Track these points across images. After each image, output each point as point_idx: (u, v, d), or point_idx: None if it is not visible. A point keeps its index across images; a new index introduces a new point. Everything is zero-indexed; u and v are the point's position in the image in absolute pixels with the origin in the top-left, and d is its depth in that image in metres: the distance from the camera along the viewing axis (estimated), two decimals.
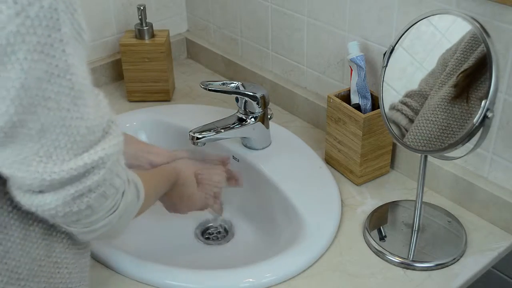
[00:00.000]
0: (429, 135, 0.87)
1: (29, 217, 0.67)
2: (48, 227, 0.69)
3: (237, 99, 1.12)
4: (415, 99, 0.89)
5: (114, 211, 0.67)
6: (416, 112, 0.89)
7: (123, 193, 0.68)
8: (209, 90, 1.10)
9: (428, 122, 0.87)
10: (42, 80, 0.56)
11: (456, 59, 0.84)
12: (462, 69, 0.83)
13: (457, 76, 0.84)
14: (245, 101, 1.11)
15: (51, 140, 0.59)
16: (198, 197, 1.00)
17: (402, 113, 0.91)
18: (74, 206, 0.62)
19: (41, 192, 0.61)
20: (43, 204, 0.61)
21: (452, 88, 0.84)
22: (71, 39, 0.59)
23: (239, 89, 1.11)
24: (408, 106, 0.90)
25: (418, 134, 0.89)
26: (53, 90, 0.58)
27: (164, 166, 0.98)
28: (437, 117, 0.86)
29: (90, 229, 0.67)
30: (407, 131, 0.90)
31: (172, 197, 0.97)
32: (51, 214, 0.63)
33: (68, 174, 0.60)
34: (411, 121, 0.90)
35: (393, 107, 0.92)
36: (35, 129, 0.58)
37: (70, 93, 0.59)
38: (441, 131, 0.86)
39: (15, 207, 0.65)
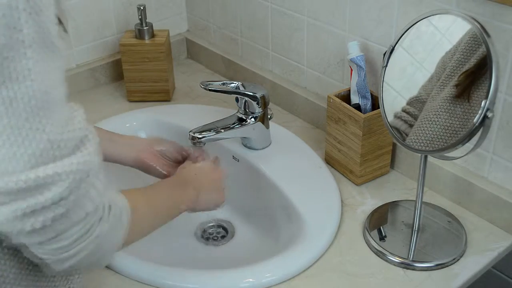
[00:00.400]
0: (432, 136, 0.87)
1: None
2: None
3: (237, 99, 1.12)
4: (414, 106, 0.89)
5: (86, 239, 0.61)
6: (416, 118, 0.89)
7: (100, 219, 0.62)
8: (209, 90, 1.10)
9: (430, 123, 0.87)
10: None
11: (456, 60, 0.84)
12: (463, 70, 0.83)
13: (459, 76, 0.84)
14: (245, 101, 1.11)
15: (5, 148, 0.55)
16: (220, 196, 0.96)
17: (403, 119, 0.91)
18: (27, 224, 0.57)
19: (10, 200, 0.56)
20: (8, 211, 0.56)
21: (454, 88, 0.84)
22: (36, 43, 0.55)
23: (239, 89, 1.11)
24: (408, 113, 0.90)
25: (421, 135, 0.88)
26: (9, 95, 0.54)
27: (171, 178, 0.93)
28: (440, 118, 0.86)
29: (59, 258, 0.61)
30: (407, 135, 0.90)
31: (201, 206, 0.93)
32: (4, 230, 0.58)
33: (17, 185, 0.55)
34: (411, 126, 0.90)
35: (395, 116, 0.92)
36: None
37: (30, 101, 0.55)
38: (443, 131, 0.86)
39: None
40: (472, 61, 0.82)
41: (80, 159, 0.59)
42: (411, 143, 0.90)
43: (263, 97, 1.11)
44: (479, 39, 0.81)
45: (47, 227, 0.58)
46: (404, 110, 0.91)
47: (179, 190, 0.88)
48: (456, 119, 0.84)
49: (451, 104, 0.85)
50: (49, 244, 0.60)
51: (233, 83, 1.12)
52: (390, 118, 0.92)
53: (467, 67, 0.83)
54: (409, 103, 0.90)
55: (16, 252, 0.65)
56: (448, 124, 0.85)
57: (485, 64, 0.80)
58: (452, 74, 0.85)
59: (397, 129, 0.92)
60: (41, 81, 0.56)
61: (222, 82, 1.13)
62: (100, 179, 0.62)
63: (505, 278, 1.05)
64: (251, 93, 1.10)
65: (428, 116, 0.88)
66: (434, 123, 0.87)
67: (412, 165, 1.09)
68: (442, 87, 0.86)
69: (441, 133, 0.86)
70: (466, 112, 0.83)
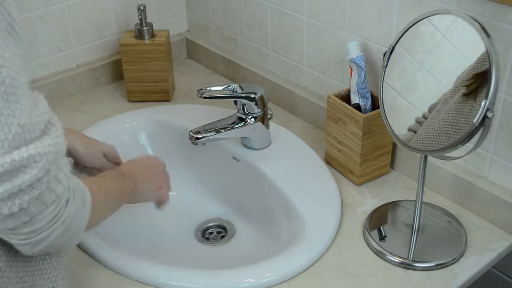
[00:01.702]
0: (438, 131, 0.87)
1: None
2: None
3: (235, 102, 1.12)
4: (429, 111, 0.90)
5: (57, 221, 0.63)
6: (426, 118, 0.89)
7: (67, 201, 0.63)
8: (205, 98, 1.10)
9: (439, 120, 0.87)
10: None
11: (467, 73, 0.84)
12: (474, 72, 0.83)
13: (470, 78, 0.84)
14: (244, 103, 1.11)
15: None
16: (161, 181, 0.98)
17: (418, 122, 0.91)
18: (5, 207, 0.58)
19: None
20: None
21: (464, 88, 0.84)
22: (2, 30, 0.56)
23: (236, 91, 1.11)
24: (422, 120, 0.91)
25: (429, 131, 0.88)
26: None
27: (113, 170, 0.94)
28: (448, 115, 0.86)
29: (31, 241, 0.63)
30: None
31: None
32: None
33: (12, 163, 0.57)
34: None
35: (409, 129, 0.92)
36: None
37: (0, 87, 0.56)
38: (449, 127, 0.86)
39: None
40: (483, 65, 0.82)
41: (50, 141, 0.60)
42: (415, 143, 0.90)
43: (261, 97, 1.11)
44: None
45: (22, 210, 0.59)
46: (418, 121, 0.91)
47: (121, 180, 0.89)
48: (461, 116, 0.84)
49: (459, 103, 0.85)
50: (22, 228, 0.61)
51: (230, 85, 1.12)
52: (404, 131, 0.92)
53: (478, 70, 0.83)
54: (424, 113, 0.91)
55: (3, 241, 0.66)
56: (455, 121, 0.85)
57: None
58: (465, 79, 0.85)
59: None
60: (9, 67, 0.57)
61: (219, 86, 1.13)
62: (65, 162, 0.64)
63: (505, 278, 1.05)
64: (248, 95, 1.10)
65: (438, 114, 0.87)
66: (442, 120, 0.87)
67: (412, 165, 1.09)
68: (455, 91, 0.86)
69: (447, 129, 0.86)
70: (471, 109, 0.83)
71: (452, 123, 0.85)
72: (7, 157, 0.57)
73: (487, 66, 0.80)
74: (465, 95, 0.84)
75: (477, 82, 0.82)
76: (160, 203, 1.01)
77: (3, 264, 0.67)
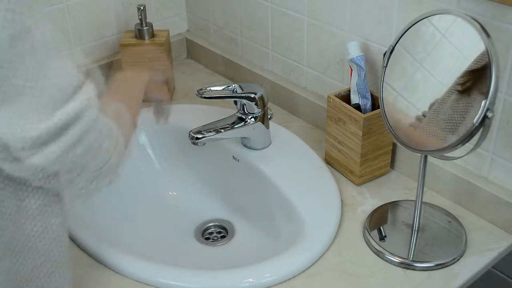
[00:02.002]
0: (435, 128, 0.87)
1: (22, 192, 0.67)
2: (43, 203, 0.70)
3: (235, 102, 1.12)
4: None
5: (106, 164, 0.69)
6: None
7: (114, 145, 0.70)
8: (205, 98, 1.09)
9: (437, 120, 0.87)
10: (5, 43, 0.56)
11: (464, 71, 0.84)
12: (468, 69, 0.83)
13: (463, 76, 0.84)
14: (244, 103, 1.11)
15: (28, 98, 0.59)
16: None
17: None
18: (67, 160, 0.63)
19: (44, 143, 0.61)
20: (50, 153, 0.62)
21: (459, 85, 0.84)
22: None
23: (236, 91, 1.11)
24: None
25: (426, 128, 0.89)
26: (16, 52, 0.57)
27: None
28: (445, 114, 0.86)
29: (91, 188, 0.69)
30: None
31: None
32: (55, 167, 0.64)
33: (50, 127, 0.60)
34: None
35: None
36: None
37: (44, 46, 0.59)
38: (445, 123, 0.86)
39: (7, 184, 0.66)
40: (478, 62, 0.82)
41: (91, 93, 0.64)
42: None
43: (261, 97, 1.11)
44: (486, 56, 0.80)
45: (78, 161, 0.65)
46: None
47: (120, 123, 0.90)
48: (458, 114, 0.84)
49: (455, 102, 0.85)
50: (80, 176, 0.67)
51: (230, 85, 1.12)
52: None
53: (472, 67, 0.83)
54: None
55: (22, 225, 0.69)
56: (451, 119, 0.85)
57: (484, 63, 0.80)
58: (459, 77, 0.85)
59: None
60: (43, 33, 0.59)
61: (219, 86, 1.13)
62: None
63: (505, 278, 1.05)
64: (248, 95, 1.10)
65: (435, 113, 0.88)
66: (439, 119, 0.87)
67: (412, 165, 1.09)
68: (451, 90, 0.86)
69: (443, 125, 0.86)
70: (467, 107, 0.83)
71: (449, 121, 0.85)
72: (56, 115, 0.60)
73: (482, 64, 0.80)
74: (460, 92, 0.84)
75: (472, 80, 0.83)
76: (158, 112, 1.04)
77: (21, 246, 0.70)
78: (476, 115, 0.81)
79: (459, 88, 0.84)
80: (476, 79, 0.82)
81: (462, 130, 0.83)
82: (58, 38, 0.62)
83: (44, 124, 0.60)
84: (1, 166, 0.63)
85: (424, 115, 0.89)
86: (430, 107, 0.88)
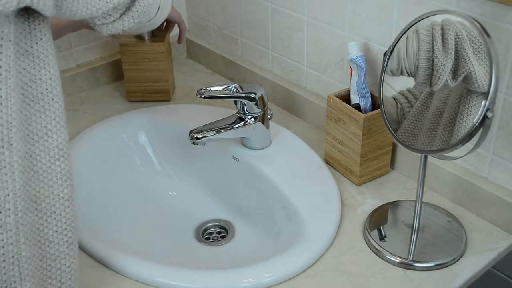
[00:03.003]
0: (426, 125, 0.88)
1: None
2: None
3: (235, 102, 1.12)
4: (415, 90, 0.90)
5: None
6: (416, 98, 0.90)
7: None
8: (205, 98, 1.09)
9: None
10: None
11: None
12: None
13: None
14: (244, 103, 1.11)
15: None
16: None
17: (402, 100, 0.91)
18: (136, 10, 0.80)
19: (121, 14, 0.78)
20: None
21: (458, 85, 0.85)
22: None
23: (236, 91, 1.11)
24: (408, 95, 0.91)
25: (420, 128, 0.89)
26: None
27: None
28: (446, 113, 0.86)
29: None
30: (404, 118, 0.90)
31: None
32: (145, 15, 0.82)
33: None
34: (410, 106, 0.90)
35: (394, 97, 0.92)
36: None
37: None
38: (446, 123, 0.86)
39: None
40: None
41: None
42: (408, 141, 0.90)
43: (261, 97, 1.11)
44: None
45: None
46: (402, 93, 0.91)
47: None
48: (457, 112, 0.84)
49: (454, 100, 0.85)
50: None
51: (230, 85, 1.12)
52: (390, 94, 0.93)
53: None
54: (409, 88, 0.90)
55: (52, 183, 0.74)
56: (451, 118, 0.85)
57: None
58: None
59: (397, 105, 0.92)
60: None
61: (219, 86, 1.13)
62: None
63: (505, 278, 1.05)
64: (248, 95, 1.10)
65: (435, 110, 0.88)
66: (438, 113, 0.87)
67: (412, 165, 1.09)
68: (452, 90, 0.86)
69: (443, 125, 0.86)
70: (466, 105, 0.83)
71: (449, 121, 0.86)
72: None
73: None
74: (460, 92, 0.84)
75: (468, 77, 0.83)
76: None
77: (45, 206, 0.74)
78: (476, 115, 0.81)
79: (459, 87, 0.84)
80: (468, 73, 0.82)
81: (462, 130, 0.83)
82: None
83: None
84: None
85: (420, 108, 0.89)
86: (430, 107, 0.88)
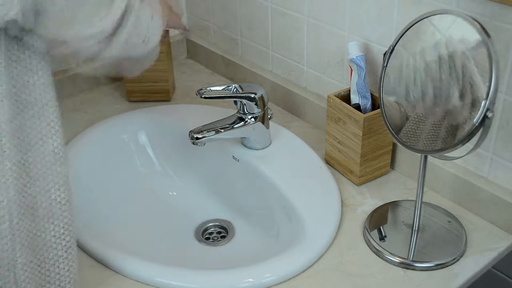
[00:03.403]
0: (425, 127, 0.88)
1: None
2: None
3: (235, 102, 1.12)
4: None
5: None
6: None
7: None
8: (205, 98, 1.09)
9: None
10: None
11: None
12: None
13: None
14: (244, 103, 1.11)
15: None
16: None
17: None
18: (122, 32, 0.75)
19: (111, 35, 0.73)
20: (132, 28, 0.75)
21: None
22: None
23: (236, 92, 1.11)
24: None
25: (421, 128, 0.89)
26: None
27: None
28: (446, 113, 0.86)
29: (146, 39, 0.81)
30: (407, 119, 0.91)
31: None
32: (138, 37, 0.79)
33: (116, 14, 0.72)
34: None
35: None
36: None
37: None
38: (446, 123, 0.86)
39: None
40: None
41: None
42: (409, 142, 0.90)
43: (261, 97, 1.11)
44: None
45: (133, 32, 0.76)
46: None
47: None
48: (457, 112, 0.84)
49: (454, 100, 0.85)
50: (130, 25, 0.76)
51: (230, 85, 1.12)
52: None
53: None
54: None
55: (50, 188, 0.73)
56: (451, 118, 0.85)
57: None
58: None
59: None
60: None
61: (219, 86, 1.13)
62: None
63: (505, 278, 1.05)
64: (248, 95, 1.10)
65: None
66: (438, 114, 0.87)
67: (412, 165, 1.09)
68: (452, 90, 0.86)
69: (443, 125, 0.86)
70: (466, 104, 0.83)
71: (449, 121, 0.86)
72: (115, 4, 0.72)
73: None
74: (459, 92, 0.84)
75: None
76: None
77: (42, 212, 0.73)
78: (476, 115, 0.81)
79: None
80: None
81: (462, 130, 0.83)
82: None
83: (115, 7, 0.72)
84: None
85: (424, 115, 0.89)
86: (430, 107, 0.88)
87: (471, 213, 1.03)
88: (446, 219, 1.02)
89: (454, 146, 0.84)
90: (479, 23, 0.81)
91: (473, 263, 0.93)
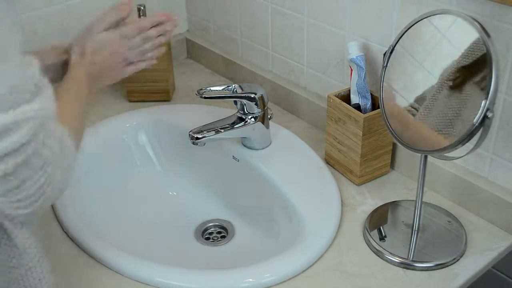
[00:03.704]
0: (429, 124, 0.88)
1: None
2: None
3: (235, 102, 1.12)
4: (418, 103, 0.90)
5: (48, 186, 0.62)
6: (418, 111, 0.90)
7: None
8: (205, 98, 1.09)
9: (427, 110, 0.88)
10: None
11: (457, 61, 0.84)
12: (460, 65, 0.84)
13: (454, 72, 0.84)
14: (244, 103, 1.11)
15: None
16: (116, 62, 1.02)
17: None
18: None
19: None
20: None
21: (450, 81, 0.85)
22: None
23: (236, 91, 1.11)
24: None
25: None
26: None
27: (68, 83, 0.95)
28: (436, 108, 0.86)
29: (31, 208, 0.62)
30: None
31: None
32: None
33: None
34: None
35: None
36: None
37: None
38: (438, 119, 0.86)
39: None
40: (470, 58, 0.82)
41: (39, 105, 0.58)
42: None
43: (261, 97, 1.11)
44: (481, 43, 0.80)
45: (8, 175, 0.58)
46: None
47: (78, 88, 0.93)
48: (450, 109, 0.84)
49: (446, 98, 0.85)
50: (12, 194, 0.59)
51: (230, 85, 1.12)
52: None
53: (464, 63, 0.83)
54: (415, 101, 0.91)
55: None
56: (451, 118, 0.85)
57: (484, 61, 0.80)
58: (452, 73, 0.85)
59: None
60: None
61: (219, 86, 1.13)
62: (55, 125, 0.63)
63: (505, 278, 1.05)
64: (248, 95, 1.10)
65: (427, 110, 0.88)
66: (430, 111, 0.87)
67: (412, 165, 1.09)
68: (441, 86, 0.86)
69: (444, 125, 0.86)
70: (460, 103, 0.83)
71: (449, 121, 0.86)
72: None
73: (472, 59, 0.80)
74: (451, 88, 0.84)
75: (462, 76, 0.83)
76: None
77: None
78: (476, 115, 0.81)
79: (451, 84, 0.84)
80: (466, 75, 0.82)
81: (462, 130, 0.83)
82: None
83: None
84: None
85: (424, 115, 0.89)
86: (430, 107, 0.88)
87: (471, 213, 1.03)
88: (446, 219, 1.02)
89: (454, 146, 0.84)
90: (479, 23, 0.81)
91: (473, 263, 0.93)
